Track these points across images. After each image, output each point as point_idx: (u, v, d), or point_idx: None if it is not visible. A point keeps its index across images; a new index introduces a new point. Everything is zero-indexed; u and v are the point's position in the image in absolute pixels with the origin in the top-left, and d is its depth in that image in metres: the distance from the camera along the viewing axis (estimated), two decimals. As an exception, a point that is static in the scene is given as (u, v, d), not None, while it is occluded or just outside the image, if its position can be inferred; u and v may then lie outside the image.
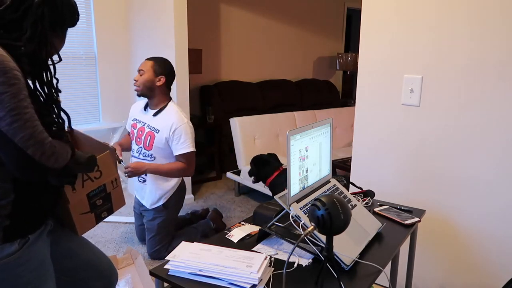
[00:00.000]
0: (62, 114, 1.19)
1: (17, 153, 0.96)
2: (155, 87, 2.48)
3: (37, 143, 0.96)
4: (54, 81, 1.14)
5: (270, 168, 2.73)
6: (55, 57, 1.16)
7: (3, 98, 0.92)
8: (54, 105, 1.15)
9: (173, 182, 2.65)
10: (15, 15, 1.01)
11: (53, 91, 1.14)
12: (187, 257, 1.11)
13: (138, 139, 2.60)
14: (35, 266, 1.11)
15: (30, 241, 1.09)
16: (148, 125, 2.55)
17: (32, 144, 0.95)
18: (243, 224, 1.44)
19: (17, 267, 1.07)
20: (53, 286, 1.19)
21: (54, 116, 1.14)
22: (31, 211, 1.10)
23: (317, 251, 1.15)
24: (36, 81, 1.10)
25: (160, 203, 2.64)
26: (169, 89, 2.57)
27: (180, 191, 2.73)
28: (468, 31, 1.57)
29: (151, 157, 2.55)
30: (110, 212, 1.37)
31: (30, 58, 1.04)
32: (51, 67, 1.14)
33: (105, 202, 1.34)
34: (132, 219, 3.17)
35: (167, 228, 2.68)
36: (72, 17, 1.15)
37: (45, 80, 1.12)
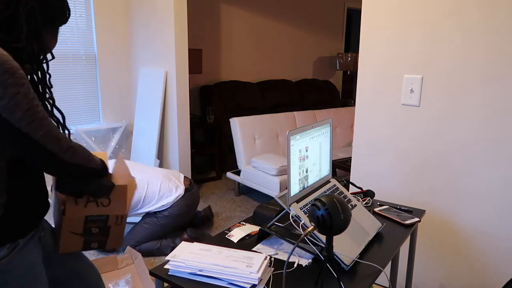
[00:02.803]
0: (56, 113, 1.19)
1: (36, 148, 0.98)
2: None
3: (54, 138, 0.99)
4: (47, 76, 1.14)
5: None
6: (48, 55, 1.16)
7: (18, 99, 0.93)
8: (48, 103, 1.15)
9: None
10: (9, 12, 1.01)
11: (46, 88, 1.14)
12: (187, 257, 1.11)
13: None
14: (25, 271, 1.09)
15: (20, 245, 1.07)
16: None
17: (51, 140, 0.99)
18: (243, 224, 1.44)
19: (6, 272, 1.05)
20: None
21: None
22: (22, 214, 1.09)
23: (317, 251, 1.15)
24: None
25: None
26: None
27: (178, 214, 2.74)
28: (468, 31, 1.57)
29: None
30: (102, 246, 1.26)
31: (29, 56, 1.04)
32: (44, 64, 1.13)
33: (100, 233, 1.23)
34: (133, 219, 3.18)
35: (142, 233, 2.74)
36: (62, 12, 1.13)
37: (40, 78, 1.12)
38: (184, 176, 2.94)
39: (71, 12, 1.20)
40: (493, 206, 1.61)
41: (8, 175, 1.04)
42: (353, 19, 7.17)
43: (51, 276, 1.28)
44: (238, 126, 3.84)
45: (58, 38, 1.21)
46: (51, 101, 1.16)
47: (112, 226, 1.23)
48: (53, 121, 1.16)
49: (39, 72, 1.12)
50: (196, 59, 4.08)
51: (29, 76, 1.10)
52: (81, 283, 1.36)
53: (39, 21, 1.05)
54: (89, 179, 1.12)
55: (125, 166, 1.29)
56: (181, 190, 2.76)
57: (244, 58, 5.19)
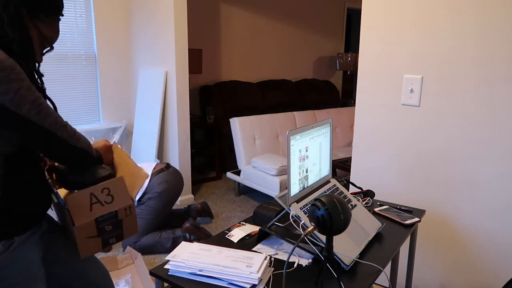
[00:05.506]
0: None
1: (47, 136, 1.04)
2: None
3: (61, 125, 1.06)
4: (37, 66, 1.14)
5: None
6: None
7: (22, 93, 0.97)
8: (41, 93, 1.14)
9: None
10: None
11: (36, 76, 1.13)
12: (187, 257, 1.11)
13: None
14: (21, 269, 1.09)
15: (15, 243, 1.06)
16: None
17: (59, 127, 1.05)
18: (243, 224, 1.44)
19: (3, 269, 1.05)
20: None
21: None
22: (19, 212, 1.08)
23: (317, 251, 1.15)
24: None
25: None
26: None
27: (160, 191, 2.73)
28: (468, 31, 1.57)
29: None
30: (120, 238, 1.28)
31: (19, 47, 1.04)
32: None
33: (115, 228, 1.25)
34: None
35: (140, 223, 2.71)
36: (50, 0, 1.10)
37: (32, 67, 1.11)
38: (160, 162, 2.94)
39: (66, 11, 1.19)
40: (493, 205, 1.61)
41: (4, 171, 1.03)
42: (353, 19, 7.17)
43: (52, 275, 1.27)
44: (238, 126, 3.84)
45: (59, 36, 1.21)
46: (43, 91, 1.15)
47: (123, 219, 1.26)
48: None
49: (30, 61, 1.11)
50: (196, 59, 4.08)
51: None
52: (85, 282, 1.34)
53: (19, 8, 1.03)
54: (89, 165, 1.19)
55: (127, 158, 1.33)
56: (147, 169, 2.77)
57: (244, 58, 5.18)
